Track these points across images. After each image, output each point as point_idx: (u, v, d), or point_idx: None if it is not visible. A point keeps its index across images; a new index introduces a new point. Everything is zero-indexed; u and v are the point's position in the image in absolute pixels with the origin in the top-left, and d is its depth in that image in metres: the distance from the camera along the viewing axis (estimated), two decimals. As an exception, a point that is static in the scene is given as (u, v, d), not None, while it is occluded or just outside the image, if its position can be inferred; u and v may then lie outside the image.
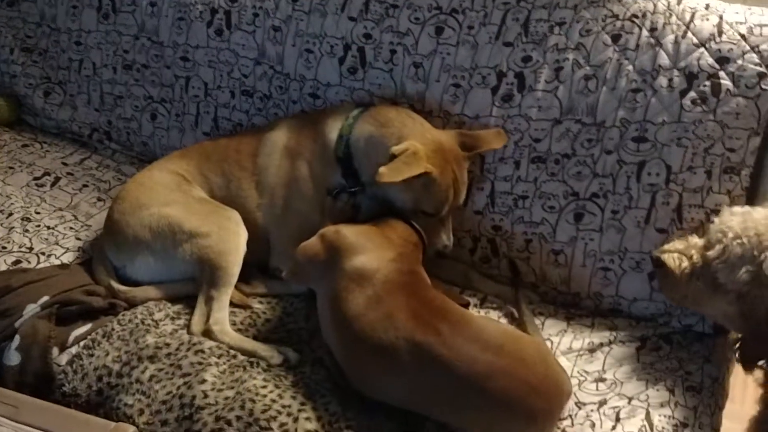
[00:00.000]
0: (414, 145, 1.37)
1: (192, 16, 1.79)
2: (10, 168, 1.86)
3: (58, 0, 1.94)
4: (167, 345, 1.34)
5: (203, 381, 1.27)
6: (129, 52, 1.89)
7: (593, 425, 1.26)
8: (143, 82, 1.89)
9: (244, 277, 1.49)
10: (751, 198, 1.41)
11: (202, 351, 1.33)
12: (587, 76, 1.48)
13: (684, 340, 1.44)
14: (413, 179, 1.35)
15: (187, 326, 1.40)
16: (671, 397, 1.29)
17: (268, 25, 1.71)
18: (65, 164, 1.90)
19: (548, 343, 1.41)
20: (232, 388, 1.26)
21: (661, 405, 1.28)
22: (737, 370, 1.36)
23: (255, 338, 1.41)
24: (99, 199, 1.79)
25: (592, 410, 1.29)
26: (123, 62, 1.90)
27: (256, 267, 1.53)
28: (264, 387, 1.26)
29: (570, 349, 1.42)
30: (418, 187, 1.38)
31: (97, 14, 1.91)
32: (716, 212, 1.40)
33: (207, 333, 1.38)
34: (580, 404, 1.31)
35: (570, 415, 1.28)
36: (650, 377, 1.34)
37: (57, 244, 1.63)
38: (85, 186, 1.82)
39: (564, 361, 1.37)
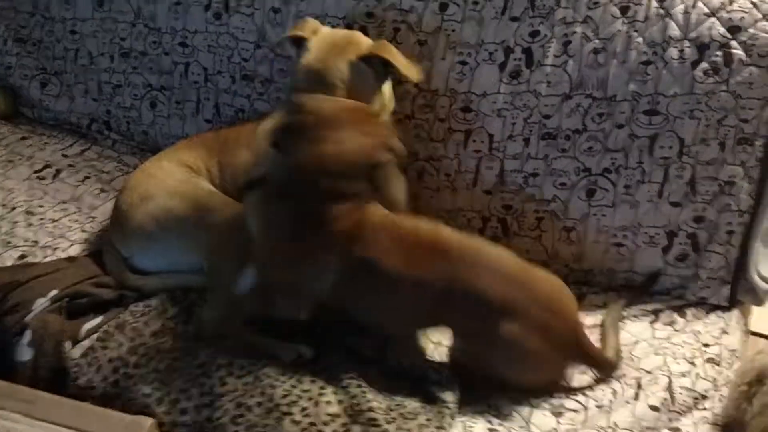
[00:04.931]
0: None
1: (189, 1, 1.76)
2: (10, 162, 1.83)
3: (51, -11, 1.91)
4: (183, 336, 1.33)
5: (221, 367, 1.26)
6: (126, 39, 1.86)
7: (615, 392, 1.26)
8: (141, 70, 1.85)
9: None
10: (766, 169, 1.39)
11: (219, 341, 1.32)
12: (596, 49, 1.45)
13: (698, 312, 1.44)
14: None
15: (198, 319, 1.38)
16: (692, 368, 1.29)
17: (268, 6, 1.68)
18: (65, 156, 1.87)
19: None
20: (251, 373, 1.25)
21: (683, 375, 1.27)
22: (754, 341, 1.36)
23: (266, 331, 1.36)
24: (102, 191, 1.76)
25: (611, 381, 1.29)
26: (120, 50, 1.87)
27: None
28: (283, 373, 1.25)
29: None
30: None
31: (91, 2, 1.88)
32: (730, 184, 1.39)
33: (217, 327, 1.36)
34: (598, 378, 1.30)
35: (590, 386, 1.29)
36: (668, 351, 1.34)
37: (62, 237, 1.61)
38: (87, 177, 1.80)
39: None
